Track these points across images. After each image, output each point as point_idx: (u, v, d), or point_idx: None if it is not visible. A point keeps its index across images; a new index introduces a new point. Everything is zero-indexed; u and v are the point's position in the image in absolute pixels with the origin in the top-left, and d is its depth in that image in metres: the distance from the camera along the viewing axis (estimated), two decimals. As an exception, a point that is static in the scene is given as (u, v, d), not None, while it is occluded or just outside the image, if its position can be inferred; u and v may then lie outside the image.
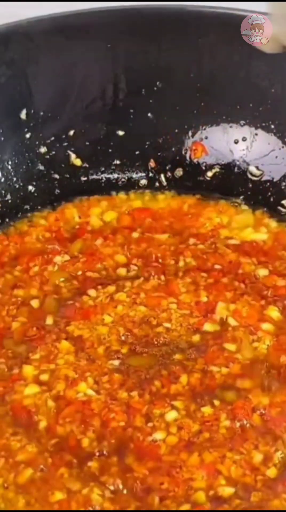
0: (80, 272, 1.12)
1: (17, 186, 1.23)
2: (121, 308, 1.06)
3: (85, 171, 1.25)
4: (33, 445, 0.94)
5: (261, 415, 0.95)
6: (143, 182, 1.25)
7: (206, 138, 1.25)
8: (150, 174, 1.26)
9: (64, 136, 1.24)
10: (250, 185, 1.23)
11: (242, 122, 1.24)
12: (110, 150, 1.25)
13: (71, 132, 1.24)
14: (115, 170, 1.26)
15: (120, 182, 1.25)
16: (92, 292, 1.09)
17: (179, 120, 1.25)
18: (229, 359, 1.01)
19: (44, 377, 0.99)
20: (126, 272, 1.12)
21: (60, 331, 1.04)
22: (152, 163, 1.26)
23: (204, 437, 0.93)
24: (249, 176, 1.24)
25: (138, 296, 1.08)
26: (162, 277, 1.10)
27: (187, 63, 1.23)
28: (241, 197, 1.23)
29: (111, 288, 1.09)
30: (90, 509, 0.88)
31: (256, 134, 1.24)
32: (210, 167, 1.25)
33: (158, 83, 1.24)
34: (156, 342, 1.03)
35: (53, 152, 1.24)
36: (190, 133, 1.25)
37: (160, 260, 1.13)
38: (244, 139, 1.24)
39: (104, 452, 0.93)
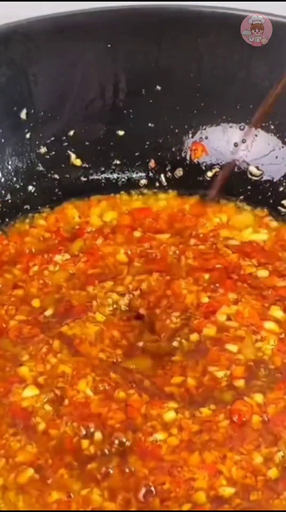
0: (81, 271, 1.12)
1: (17, 186, 1.23)
2: (121, 305, 1.07)
3: (85, 171, 1.25)
4: (33, 446, 0.94)
5: (261, 415, 0.95)
6: (143, 182, 1.26)
7: (206, 138, 1.25)
8: (150, 174, 1.26)
9: (64, 136, 1.24)
10: (250, 185, 1.23)
11: (242, 122, 1.24)
12: (110, 150, 1.25)
13: (71, 132, 1.24)
14: (115, 170, 1.26)
15: (120, 182, 1.25)
16: (91, 290, 1.09)
17: (179, 120, 1.25)
18: (230, 359, 1.01)
19: (42, 379, 0.99)
20: (128, 270, 1.12)
21: (57, 330, 1.04)
22: (152, 163, 1.26)
23: (204, 437, 0.93)
24: (249, 176, 1.24)
25: (141, 293, 1.08)
26: (164, 277, 1.10)
27: (187, 63, 1.23)
28: (241, 197, 1.23)
29: (110, 284, 1.09)
30: (90, 509, 0.88)
31: (256, 134, 1.23)
32: (210, 167, 1.25)
33: (158, 83, 1.24)
34: (155, 342, 1.03)
35: (53, 152, 1.24)
36: (190, 133, 1.25)
37: (161, 260, 1.13)
38: (244, 140, 1.24)
39: (105, 452, 0.93)
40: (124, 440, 0.93)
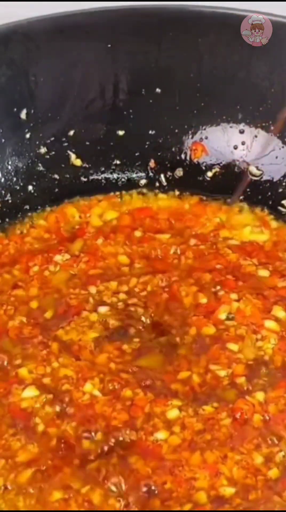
0: (83, 272, 1.12)
1: (17, 186, 1.23)
2: (122, 304, 1.07)
3: (85, 171, 1.25)
4: (34, 446, 0.94)
5: (262, 414, 0.95)
6: (143, 182, 1.25)
7: (206, 138, 1.25)
8: (150, 174, 1.26)
9: (64, 136, 1.24)
10: (250, 185, 1.23)
11: (242, 122, 1.24)
12: (110, 150, 1.25)
13: (71, 132, 1.24)
14: (115, 170, 1.26)
15: (120, 182, 1.25)
16: (92, 289, 1.09)
17: (179, 120, 1.25)
18: (230, 358, 1.01)
19: (44, 380, 0.99)
20: (129, 270, 1.12)
21: (53, 334, 1.04)
22: (152, 163, 1.26)
23: (205, 436, 0.93)
24: (249, 176, 1.24)
25: (142, 294, 1.08)
26: (165, 277, 1.10)
27: (187, 63, 1.23)
28: (241, 197, 1.23)
29: (113, 284, 1.09)
30: (90, 509, 0.88)
31: (256, 135, 1.23)
32: (210, 167, 1.25)
33: (158, 83, 1.24)
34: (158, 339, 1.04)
35: (53, 152, 1.24)
36: (190, 133, 1.25)
37: (162, 260, 1.13)
38: (244, 140, 1.24)
39: (106, 452, 0.93)
40: (125, 439, 0.93)
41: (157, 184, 1.25)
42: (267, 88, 1.22)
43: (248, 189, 1.23)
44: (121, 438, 0.93)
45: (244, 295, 1.07)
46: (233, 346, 1.02)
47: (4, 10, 1.41)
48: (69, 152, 1.25)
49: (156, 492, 0.89)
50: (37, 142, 1.23)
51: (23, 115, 1.22)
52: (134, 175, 1.26)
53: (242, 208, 1.22)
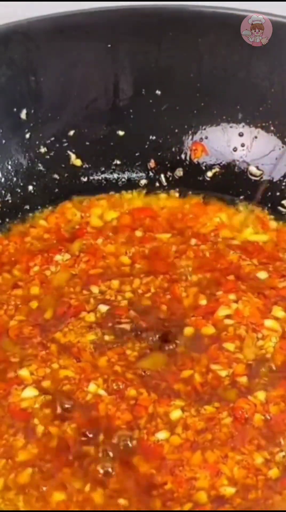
0: (83, 272, 1.12)
1: (17, 186, 1.23)
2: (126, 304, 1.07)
3: (85, 171, 1.25)
4: (34, 446, 0.94)
5: (263, 414, 0.95)
6: (143, 182, 1.25)
7: (206, 138, 1.25)
8: (150, 174, 1.26)
9: (64, 136, 1.24)
10: (250, 185, 1.23)
11: (242, 122, 1.24)
12: (110, 150, 1.25)
13: (71, 132, 1.24)
14: (115, 170, 1.26)
15: (120, 182, 1.25)
16: (95, 289, 1.09)
17: (179, 120, 1.25)
18: (230, 358, 1.01)
19: (44, 382, 0.99)
20: (130, 270, 1.12)
21: (52, 335, 1.04)
22: (152, 163, 1.26)
23: (207, 435, 0.93)
24: (249, 176, 1.24)
25: (143, 295, 1.08)
26: (166, 277, 1.10)
27: (187, 63, 1.23)
28: (241, 197, 1.23)
29: (115, 283, 1.09)
30: (91, 509, 0.88)
31: (256, 135, 1.23)
32: (210, 167, 1.25)
33: (158, 83, 1.24)
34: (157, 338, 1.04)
35: (53, 152, 1.24)
36: (190, 133, 1.25)
37: (163, 260, 1.13)
38: (244, 140, 1.24)
39: (107, 452, 0.92)
40: (127, 439, 0.93)
41: (157, 184, 1.25)
42: (267, 88, 1.22)
43: (248, 189, 1.23)
44: (123, 439, 0.93)
45: (244, 295, 1.07)
46: (231, 346, 1.02)
47: (4, 10, 1.41)
48: (69, 152, 1.25)
49: (157, 492, 0.89)
50: (37, 142, 1.23)
51: (23, 115, 1.22)
52: (134, 175, 1.26)
53: (242, 208, 1.22)
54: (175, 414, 0.95)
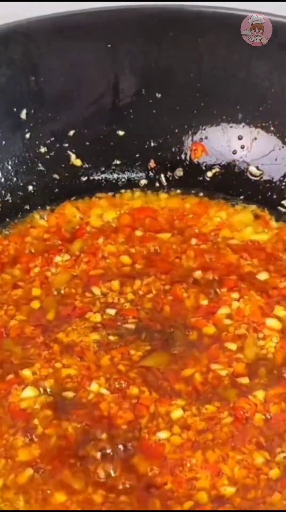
0: (84, 272, 1.12)
1: (17, 186, 1.22)
2: (128, 305, 1.07)
3: (85, 171, 1.25)
4: (34, 446, 0.94)
5: (264, 414, 0.95)
6: (143, 182, 1.25)
7: (206, 138, 1.25)
8: (150, 174, 1.26)
9: (64, 136, 1.24)
10: (250, 185, 1.23)
11: (242, 122, 1.24)
12: (110, 150, 1.25)
13: (71, 132, 1.24)
14: (115, 170, 1.26)
15: (120, 182, 1.25)
16: (96, 290, 1.09)
17: (179, 120, 1.25)
18: (231, 358, 1.01)
19: (46, 382, 0.99)
20: (130, 270, 1.12)
21: (54, 336, 1.04)
22: (152, 163, 1.26)
23: (207, 435, 0.93)
24: (249, 176, 1.24)
25: (145, 295, 1.08)
26: (167, 276, 1.10)
27: (187, 63, 1.23)
28: (241, 197, 1.23)
29: (115, 284, 1.09)
30: (91, 509, 0.88)
31: (256, 135, 1.23)
32: (210, 167, 1.25)
33: (158, 83, 1.24)
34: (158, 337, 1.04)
35: (53, 152, 1.24)
36: (190, 133, 1.25)
37: (163, 260, 1.13)
38: (243, 140, 1.24)
39: (108, 452, 0.92)
40: (129, 439, 0.93)
41: (157, 184, 1.25)
42: (267, 88, 1.22)
43: (248, 189, 1.23)
44: (124, 438, 0.93)
45: (244, 295, 1.07)
46: (232, 346, 1.02)
47: (4, 10, 1.41)
48: (69, 152, 1.25)
49: (157, 492, 0.89)
50: (37, 142, 1.23)
51: (23, 115, 1.22)
52: (134, 175, 1.26)
53: (243, 208, 1.22)
54: (176, 414, 0.95)
